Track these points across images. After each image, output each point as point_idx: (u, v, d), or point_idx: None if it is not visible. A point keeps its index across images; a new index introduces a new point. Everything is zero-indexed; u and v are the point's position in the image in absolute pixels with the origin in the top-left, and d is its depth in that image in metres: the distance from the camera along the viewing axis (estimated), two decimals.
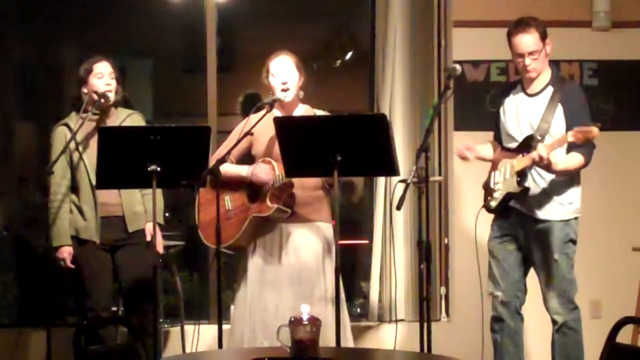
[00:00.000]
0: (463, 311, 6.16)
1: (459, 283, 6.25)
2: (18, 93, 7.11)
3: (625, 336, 5.18)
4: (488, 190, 5.08)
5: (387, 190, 6.15)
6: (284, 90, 4.95)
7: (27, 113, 7.18)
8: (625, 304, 5.89)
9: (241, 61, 7.46)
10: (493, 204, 5.01)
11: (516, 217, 5.02)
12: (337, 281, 4.59)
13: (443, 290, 6.33)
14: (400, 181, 4.74)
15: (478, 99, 6.27)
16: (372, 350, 5.45)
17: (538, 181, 4.93)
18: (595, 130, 4.62)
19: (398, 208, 4.68)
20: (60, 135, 5.25)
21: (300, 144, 4.55)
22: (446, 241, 6.32)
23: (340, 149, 4.44)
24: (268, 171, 4.87)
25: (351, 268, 6.98)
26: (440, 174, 6.30)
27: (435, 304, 6.24)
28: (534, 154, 4.74)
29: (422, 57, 6.30)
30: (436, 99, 6.16)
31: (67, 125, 5.25)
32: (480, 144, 5.25)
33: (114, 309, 5.60)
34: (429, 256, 4.68)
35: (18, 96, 7.11)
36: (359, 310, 6.74)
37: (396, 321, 6.09)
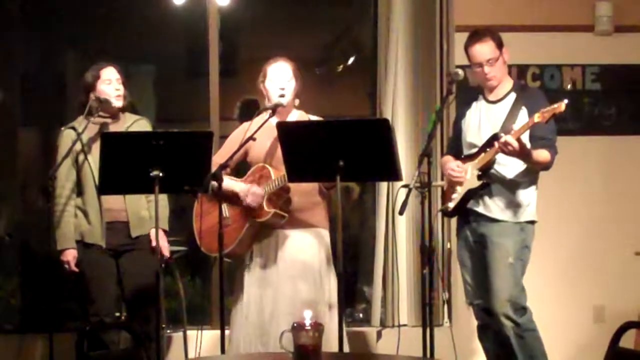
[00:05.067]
0: (465, 316, 6.15)
1: (461, 288, 6.24)
2: (21, 99, 7.12)
3: (628, 341, 5.18)
4: (446, 196, 5.08)
5: (389, 195, 6.15)
6: (281, 96, 4.95)
7: (30, 119, 7.18)
8: (628, 309, 5.89)
9: (243, 66, 7.45)
10: (451, 205, 5.02)
11: (474, 219, 5.02)
12: (340, 285, 4.58)
13: (445, 295, 6.32)
14: (403, 186, 4.75)
15: None
16: (375, 355, 5.45)
17: (497, 184, 4.93)
18: (562, 105, 4.59)
19: (400, 213, 4.68)
20: (66, 138, 5.26)
21: (302, 149, 4.55)
22: (449, 246, 6.31)
23: (342, 154, 4.43)
24: (260, 196, 4.88)
25: (353, 273, 6.98)
26: (442, 179, 6.28)
27: (438, 309, 6.23)
28: (501, 140, 4.69)
29: (425, 62, 6.30)
30: (438, 103, 6.17)
31: (74, 128, 5.26)
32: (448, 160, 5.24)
33: (117, 314, 5.60)
34: (432, 261, 4.68)
35: (21, 102, 7.12)
36: (361, 315, 6.73)
37: (399, 326, 6.09)
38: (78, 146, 5.22)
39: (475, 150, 4.98)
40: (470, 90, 5.37)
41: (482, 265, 5.04)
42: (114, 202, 5.21)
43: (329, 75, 7.55)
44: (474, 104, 5.13)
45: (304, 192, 4.93)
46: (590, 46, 6.38)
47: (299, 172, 4.63)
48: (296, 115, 5.05)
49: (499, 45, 4.99)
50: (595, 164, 6.31)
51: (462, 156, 5.07)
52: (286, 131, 4.61)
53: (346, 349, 4.69)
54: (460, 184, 4.99)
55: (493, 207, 4.96)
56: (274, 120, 4.88)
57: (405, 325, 6.16)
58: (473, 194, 4.95)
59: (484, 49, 4.97)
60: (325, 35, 7.60)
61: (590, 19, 6.35)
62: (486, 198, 4.95)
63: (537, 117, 4.65)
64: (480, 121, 5.03)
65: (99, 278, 5.25)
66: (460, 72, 4.88)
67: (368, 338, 6.25)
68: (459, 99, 5.35)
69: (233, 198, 4.94)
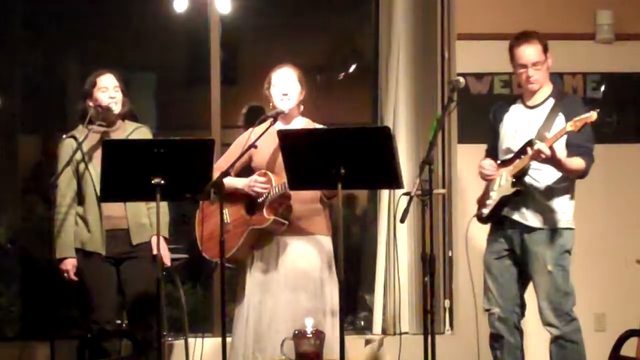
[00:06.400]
0: (467, 324, 6.14)
1: (462, 296, 6.24)
2: (22, 105, 7.12)
3: (629, 349, 5.18)
4: (481, 202, 5.08)
5: (390, 203, 6.15)
6: (283, 101, 4.96)
7: (31, 125, 7.18)
8: (630, 317, 5.88)
9: (245, 74, 7.46)
10: (485, 211, 5.02)
11: (510, 227, 5.01)
12: (341, 293, 4.58)
13: (447, 303, 6.33)
14: (404, 194, 4.74)
15: (482, 112, 6.26)
16: None
17: (533, 191, 4.93)
18: (593, 115, 4.62)
19: (402, 221, 4.67)
20: (67, 147, 5.26)
21: (304, 156, 4.55)
22: (450, 254, 6.32)
23: (344, 161, 4.43)
24: (264, 184, 4.88)
25: (355, 281, 6.98)
26: (443, 187, 6.30)
27: (439, 316, 6.23)
28: (534, 147, 4.72)
29: (426, 70, 6.31)
30: (440, 111, 6.17)
31: (74, 137, 5.27)
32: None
33: (118, 322, 5.60)
34: (433, 269, 4.67)
35: (22, 109, 7.13)
36: (362, 322, 6.73)
37: (400, 334, 6.08)
38: (78, 155, 5.23)
39: (510, 155, 4.97)
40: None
41: (512, 276, 5.04)
42: (115, 209, 5.21)
43: (330, 82, 7.56)
44: (512, 108, 5.10)
45: (305, 200, 4.94)
46: (591, 54, 6.38)
47: (300, 180, 4.63)
48: (302, 123, 5.06)
49: (545, 49, 4.96)
50: (596, 171, 6.25)
51: (498, 161, 5.07)
52: (287, 139, 4.61)
53: (347, 356, 4.69)
54: (493, 180, 4.98)
55: (529, 214, 4.94)
56: (280, 126, 4.90)
57: (406, 333, 6.16)
58: (507, 201, 4.94)
59: (531, 51, 4.93)
60: (327, 42, 7.61)
61: (591, 27, 6.36)
62: (522, 205, 4.94)
63: (569, 126, 4.66)
64: (517, 126, 5.01)
65: (100, 286, 5.25)
66: (462, 79, 4.87)
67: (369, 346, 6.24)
68: (498, 103, 5.32)
69: (235, 196, 4.95)
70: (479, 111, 6.26)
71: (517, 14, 6.26)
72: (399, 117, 6.25)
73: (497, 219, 5.03)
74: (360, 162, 4.46)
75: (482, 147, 6.06)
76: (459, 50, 6.30)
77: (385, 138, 4.50)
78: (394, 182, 4.58)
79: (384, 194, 6.22)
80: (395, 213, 5.99)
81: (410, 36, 6.29)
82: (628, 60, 6.39)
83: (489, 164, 5.05)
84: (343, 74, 7.57)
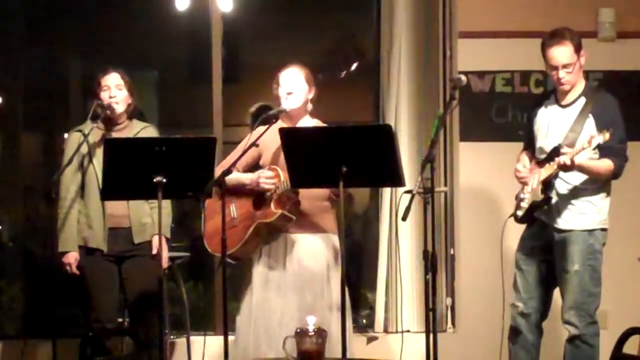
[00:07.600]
0: (469, 322, 6.14)
1: (464, 294, 6.24)
2: (23, 104, 7.13)
3: (632, 347, 5.18)
4: (518, 201, 5.09)
5: (392, 200, 6.15)
6: (287, 100, 4.96)
7: (32, 123, 7.19)
8: (632, 315, 5.87)
9: (246, 72, 7.47)
10: (519, 213, 5.03)
11: (541, 228, 5.02)
12: (343, 291, 4.58)
13: (449, 300, 6.32)
14: (406, 192, 4.74)
15: (483, 110, 6.28)
16: None
17: (563, 192, 4.93)
18: (606, 135, 4.64)
19: (403, 219, 4.66)
20: (74, 141, 5.28)
21: (305, 155, 4.55)
22: (452, 252, 6.31)
23: (345, 160, 4.43)
24: (272, 178, 4.88)
25: (357, 278, 6.98)
26: (445, 185, 6.30)
27: (441, 314, 6.23)
28: (558, 160, 4.74)
29: (428, 68, 6.31)
30: (441, 109, 6.16)
31: (81, 131, 5.28)
32: (508, 158, 5.25)
33: (120, 320, 5.60)
34: (435, 267, 4.67)
35: (23, 107, 7.13)
36: (364, 320, 6.73)
37: (402, 332, 6.09)
38: (84, 149, 5.24)
39: (543, 156, 4.97)
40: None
41: (540, 274, 5.04)
42: (117, 208, 5.22)
43: (332, 81, 7.56)
44: (545, 106, 5.09)
45: (314, 197, 4.93)
46: (593, 52, 6.31)
47: (302, 178, 4.63)
48: (311, 123, 5.06)
49: (578, 49, 4.92)
50: None
51: (535, 160, 5.08)
52: (289, 137, 4.61)
53: (351, 354, 4.69)
54: (526, 184, 4.99)
55: (561, 216, 4.94)
56: (285, 124, 4.91)
57: (408, 331, 6.15)
58: (537, 207, 4.96)
59: (561, 53, 4.89)
60: (328, 41, 7.61)
61: (593, 25, 6.34)
62: (554, 207, 4.94)
63: (586, 143, 4.69)
64: (549, 125, 5.01)
65: (101, 284, 5.26)
66: (463, 77, 4.86)
67: (371, 344, 6.24)
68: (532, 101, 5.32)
69: (242, 191, 4.95)
70: (480, 109, 6.28)
71: (519, 12, 6.25)
72: (401, 115, 6.25)
73: (530, 219, 5.05)
74: (362, 160, 4.46)
75: (484, 145, 6.10)
76: (460, 48, 6.30)
77: (387, 136, 4.50)
78: (396, 180, 4.58)
79: (386, 192, 6.22)
80: (397, 211, 5.99)
81: (412, 34, 6.28)
82: (630, 58, 6.38)
83: (522, 167, 5.05)
84: (345, 72, 7.58)
